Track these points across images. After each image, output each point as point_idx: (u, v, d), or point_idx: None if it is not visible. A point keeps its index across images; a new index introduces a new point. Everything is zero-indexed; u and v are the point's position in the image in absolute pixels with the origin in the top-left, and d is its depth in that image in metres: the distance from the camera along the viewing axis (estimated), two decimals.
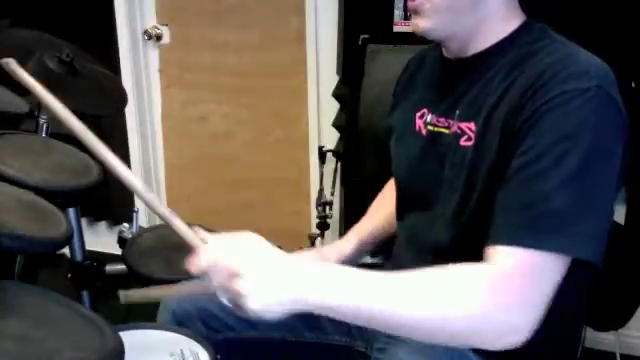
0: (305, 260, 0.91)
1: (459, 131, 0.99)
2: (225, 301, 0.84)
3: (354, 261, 1.22)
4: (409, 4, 0.99)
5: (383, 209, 1.29)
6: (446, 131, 1.02)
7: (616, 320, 1.16)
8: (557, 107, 0.85)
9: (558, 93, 0.85)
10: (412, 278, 0.84)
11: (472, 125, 0.97)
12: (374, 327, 0.85)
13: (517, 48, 0.97)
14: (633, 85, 1.78)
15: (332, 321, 1.07)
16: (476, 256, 0.96)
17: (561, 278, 0.83)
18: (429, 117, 1.07)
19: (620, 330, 1.66)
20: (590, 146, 0.83)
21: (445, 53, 1.06)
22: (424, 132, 1.07)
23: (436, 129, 1.05)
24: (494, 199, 0.89)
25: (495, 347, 0.82)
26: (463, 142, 0.98)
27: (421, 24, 0.98)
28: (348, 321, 0.85)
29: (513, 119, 0.89)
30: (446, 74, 1.06)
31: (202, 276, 0.84)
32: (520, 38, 0.98)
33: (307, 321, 1.18)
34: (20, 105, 1.72)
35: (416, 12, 0.99)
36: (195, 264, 0.83)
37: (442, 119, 1.04)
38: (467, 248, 0.97)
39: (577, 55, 0.92)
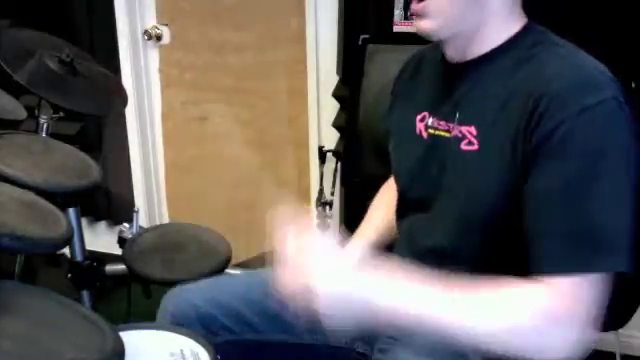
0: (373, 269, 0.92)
1: (459, 135, 0.98)
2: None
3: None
4: (413, 7, 0.98)
5: (384, 217, 1.27)
6: (447, 135, 1.01)
7: (616, 320, 1.15)
8: (581, 125, 0.85)
9: (578, 110, 0.85)
10: (475, 295, 0.87)
11: (472, 129, 0.97)
12: (422, 331, 0.89)
13: (517, 52, 0.96)
14: (633, 85, 1.77)
15: None
16: (476, 261, 0.97)
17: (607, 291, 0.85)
18: (430, 120, 1.06)
19: (620, 330, 1.66)
20: (620, 159, 0.85)
21: (445, 56, 1.05)
22: (425, 135, 1.07)
23: (437, 132, 1.04)
24: (505, 211, 0.91)
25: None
26: (464, 146, 0.97)
27: (424, 25, 0.98)
28: (404, 327, 0.90)
29: (527, 131, 0.88)
30: (446, 77, 1.05)
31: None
32: (520, 42, 0.97)
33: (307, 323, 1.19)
34: (18, 111, 1.72)
35: (419, 15, 0.98)
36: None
37: (443, 122, 1.03)
38: (467, 253, 0.98)
39: (578, 59, 0.92)
